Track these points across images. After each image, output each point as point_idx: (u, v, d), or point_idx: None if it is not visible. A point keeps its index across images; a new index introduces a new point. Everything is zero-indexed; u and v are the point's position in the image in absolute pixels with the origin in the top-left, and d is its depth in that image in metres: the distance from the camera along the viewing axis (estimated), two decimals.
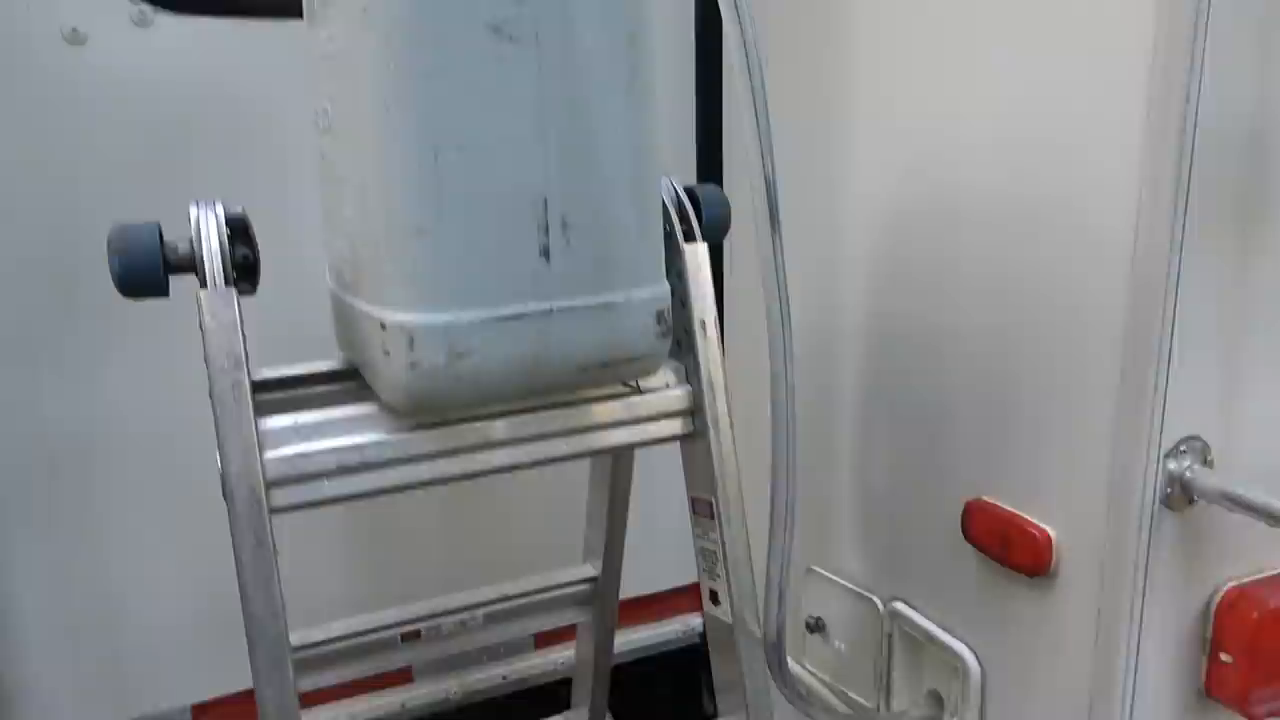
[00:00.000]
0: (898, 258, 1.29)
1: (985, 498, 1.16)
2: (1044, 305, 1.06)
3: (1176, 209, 0.94)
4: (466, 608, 1.28)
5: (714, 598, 1.01)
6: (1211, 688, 1.07)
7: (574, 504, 1.43)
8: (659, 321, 0.89)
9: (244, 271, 0.88)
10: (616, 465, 1.21)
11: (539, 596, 1.30)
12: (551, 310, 0.82)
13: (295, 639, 1.17)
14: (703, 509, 1.00)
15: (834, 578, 1.47)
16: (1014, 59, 1.07)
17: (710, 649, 1.04)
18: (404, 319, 0.79)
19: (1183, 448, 0.99)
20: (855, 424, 1.40)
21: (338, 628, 1.22)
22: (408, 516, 1.49)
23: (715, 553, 0.98)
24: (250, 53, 1.37)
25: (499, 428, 0.90)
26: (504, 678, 1.76)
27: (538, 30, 0.76)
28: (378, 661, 1.26)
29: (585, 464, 1.36)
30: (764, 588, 0.95)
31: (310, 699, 1.61)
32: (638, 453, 1.19)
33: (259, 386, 0.95)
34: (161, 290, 0.85)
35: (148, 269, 0.83)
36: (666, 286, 0.90)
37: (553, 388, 0.88)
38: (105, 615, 1.47)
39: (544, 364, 0.84)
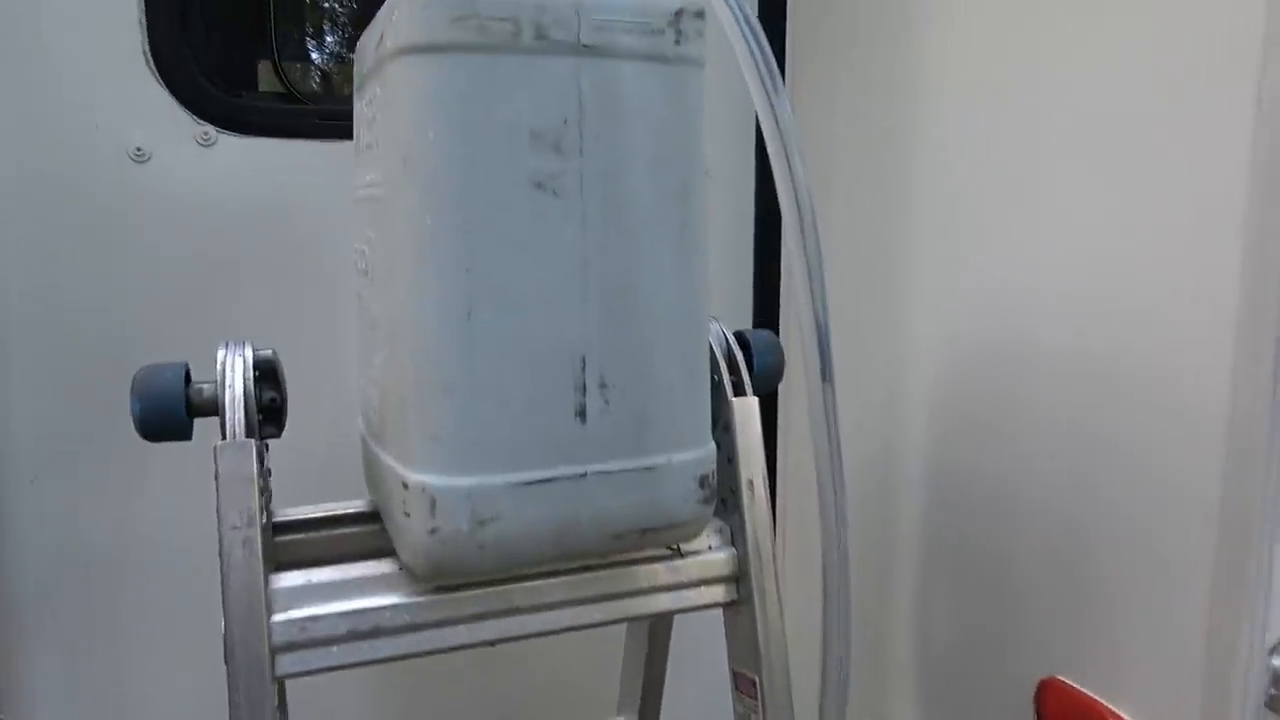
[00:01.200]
0: (961, 405, 1.21)
1: (1061, 677, 1.05)
2: (1127, 468, 0.97)
3: (1278, 373, 0.85)
4: None
5: None
6: None
7: (614, 644, 1.35)
8: (703, 486, 0.82)
9: (270, 414, 0.85)
10: (654, 626, 1.13)
11: None
12: (586, 474, 0.77)
13: None
14: (745, 685, 0.91)
15: None
16: (1093, 199, 1.01)
17: None
18: (426, 480, 0.73)
19: None
20: (914, 580, 1.30)
21: None
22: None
23: None
24: (309, 174, 1.37)
25: (525, 592, 0.83)
26: None
27: (582, 184, 0.73)
28: None
29: None
30: None
31: None
32: None
33: (280, 528, 0.92)
34: (184, 434, 0.82)
35: (169, 413, 0.80)
36: (712, 447, 0.84)
37: (584, 555, 0.82)
38: None
39: (575, 531, 0.78)
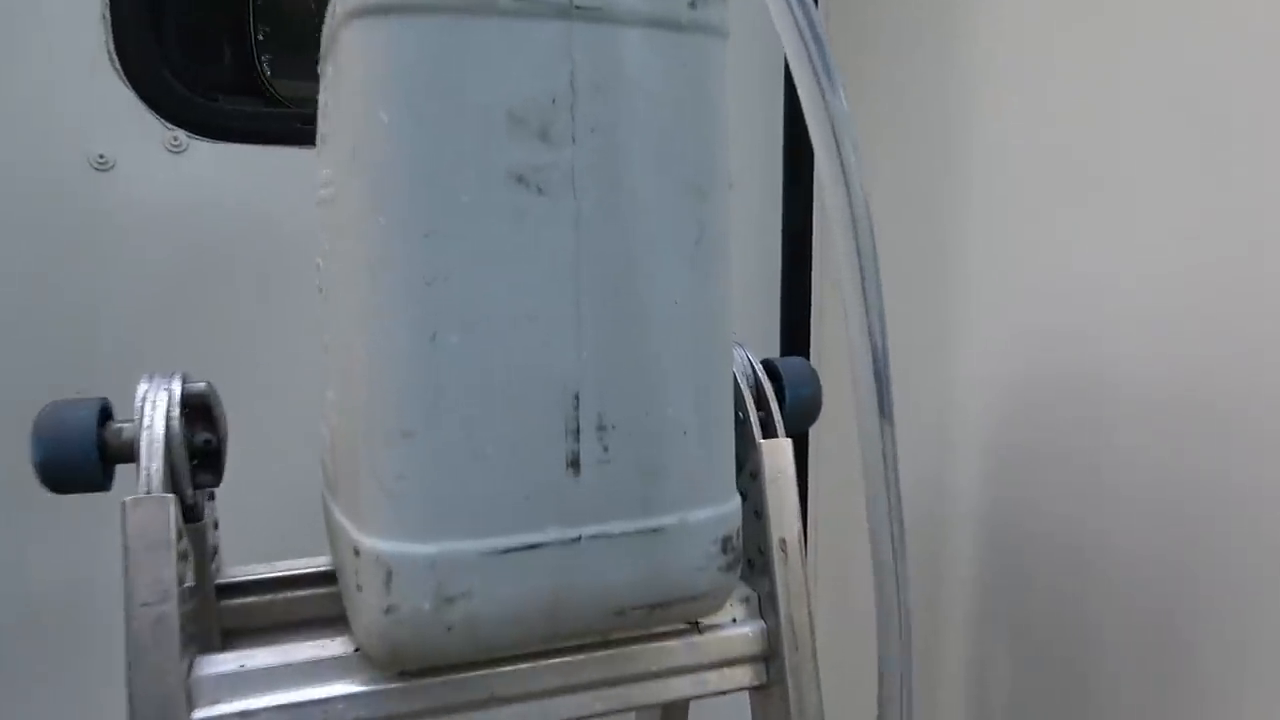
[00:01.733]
0: (1027, 438, 1.05)
1: None
2: (1239, 529, 0.80)
3: None
4: None
5: None
6: None
7: None
8: (725, 550, 0.67)
9: (206, 459, 0.71)
10: (669, 711, 0.97)
11: None
12: (580, 538, 0.62)
13: None
14: None
15: None
16: (1185, 195, 0.85)
17: None
18: (380, 547, 0.59)
19: None
20: (966, 654, 1.14)
21: None
22: None
23: None
24: (289, 182, 1.24)
25: (507, 678, 0.68)
26: None
27: (575, 180, 0.58)
28: None
29: None
30: None
31: None
32: None
33: (222, 591, 0.77)
34: (97, 485, 0.68)
35: (78, 460, 0.66)
36: (737, 502, 0.69)
37: (578, 635, 0.67)
38: None
39: (568, 607, 0.63)
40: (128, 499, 0.62)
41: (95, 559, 1.23)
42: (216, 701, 0.63)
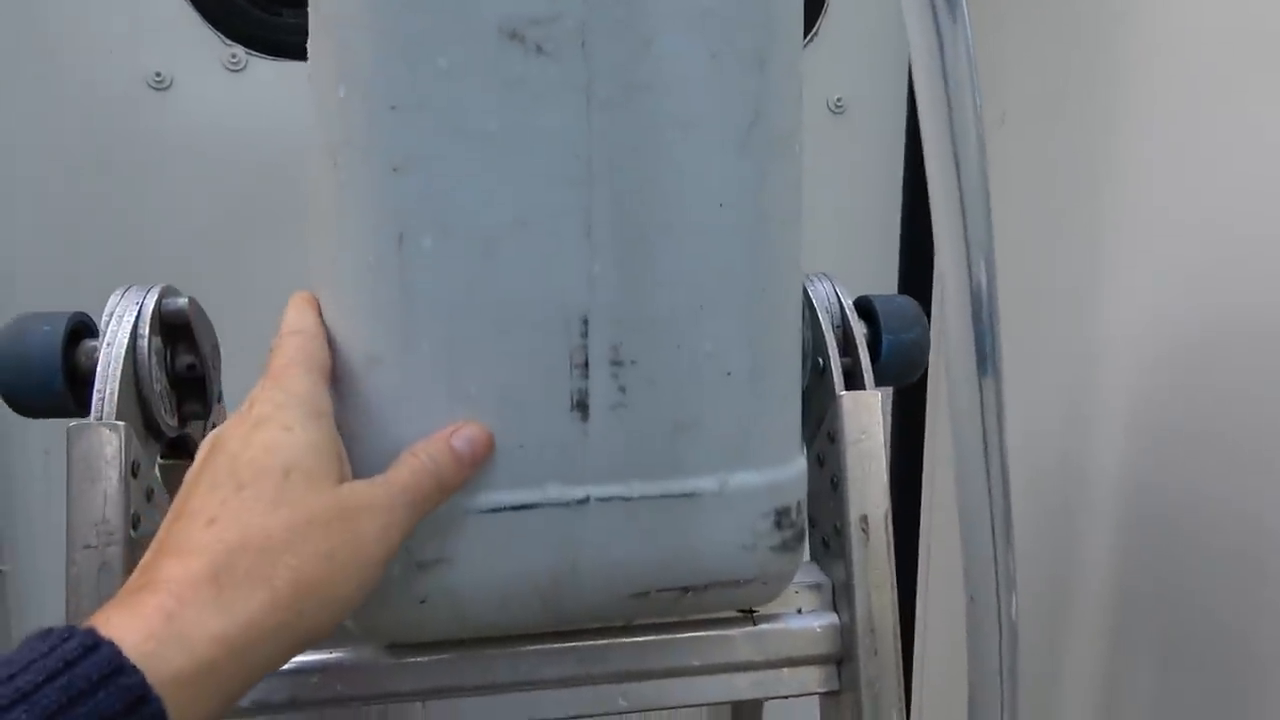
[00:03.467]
0: (1184, 428, 0.85)
1: None
2: None
3: None
4: None
5: None
6: None
7: None
8: (780, 525, 0.53)
9: (189, 388, 0.62)
10: (737, 715, 0.84)
11: None
12: (588, 500, 0.49)
13: None
14: None
15: None
16: None
17: None
18: None
19: None
20: (1101, 666, 0.96)
21: None
22: None
23: None
24: None
25: (512, 661, 0.57)
26: None
27: (585, 36, 0.45)
28: None
29: None
30: None
31: None
32: None
33: None
34: (67, 409, 0.60)
35: (40, 383, 0.58)
36: (800, 466, 0.55)
37: (589, 621, 0.55)
38: None
39: (572, 587, 0.50)
40: (71, 424, 0.54)
41: None
42: None
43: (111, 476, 0.53)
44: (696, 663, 0.59)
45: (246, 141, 1.13)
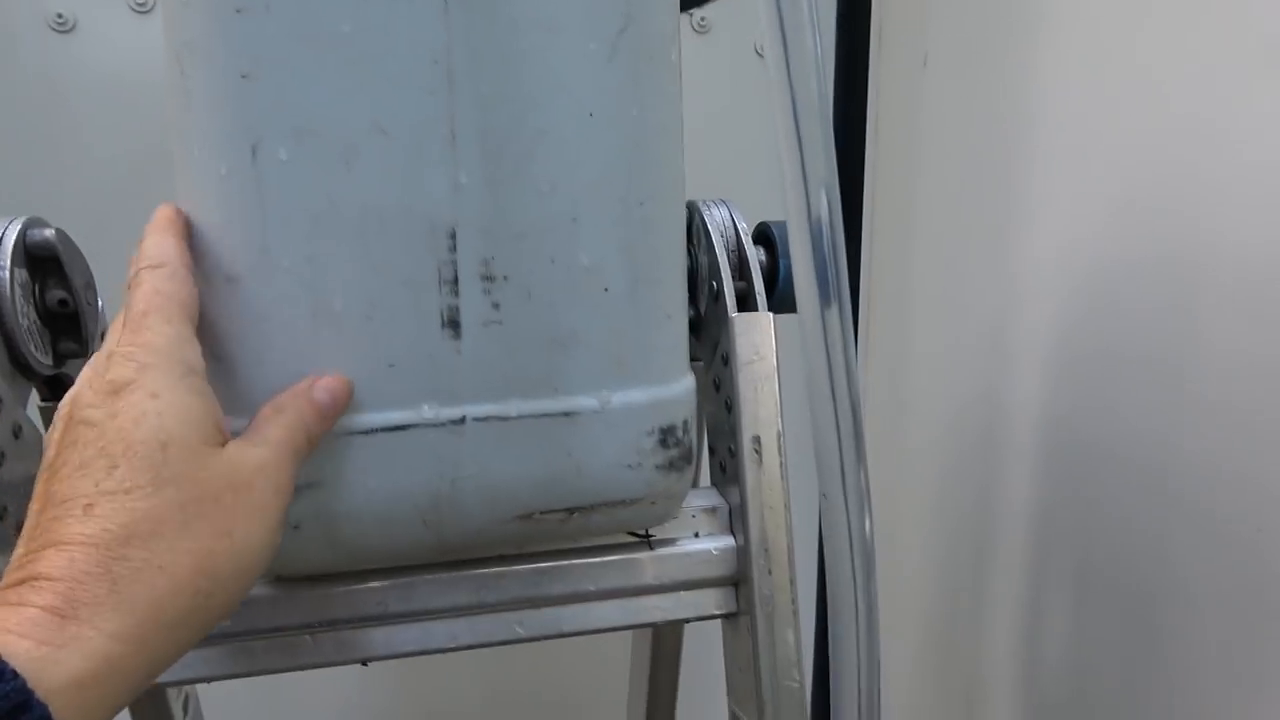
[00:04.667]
0: (1102, 336, 0.86)
1: None
2: None
3: None
4: None
5: None
6: None
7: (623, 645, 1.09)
8: (666, 443, 0.52)
9: (61, 323, 0.60)
10: (658, 634, 0.85)
11: None
12: (464, 420, 0.48)
13: None
14: None
15: None
16: None
17: None
18: None
19: None
20: (1020, 593, 0.97)
21: None
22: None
23: None
24: None
25: (405, 590, 0.56)
26: None
27: None
28: None
29: None
30: None
31: None
32: None
33: None
34: None
35: None
36: (688, 384, 0.54)
37: (476, 548, 0.54)
38: None
39: (453, 509, 0.50)
40: None
41: None
42: None
43: None
44: (593, 588, 0.59)
45: (154, 86, 1.08)
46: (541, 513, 0.51)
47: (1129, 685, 0.83)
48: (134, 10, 1.09)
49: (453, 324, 0.47)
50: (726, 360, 0.61)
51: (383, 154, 0.44)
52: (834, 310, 0.45)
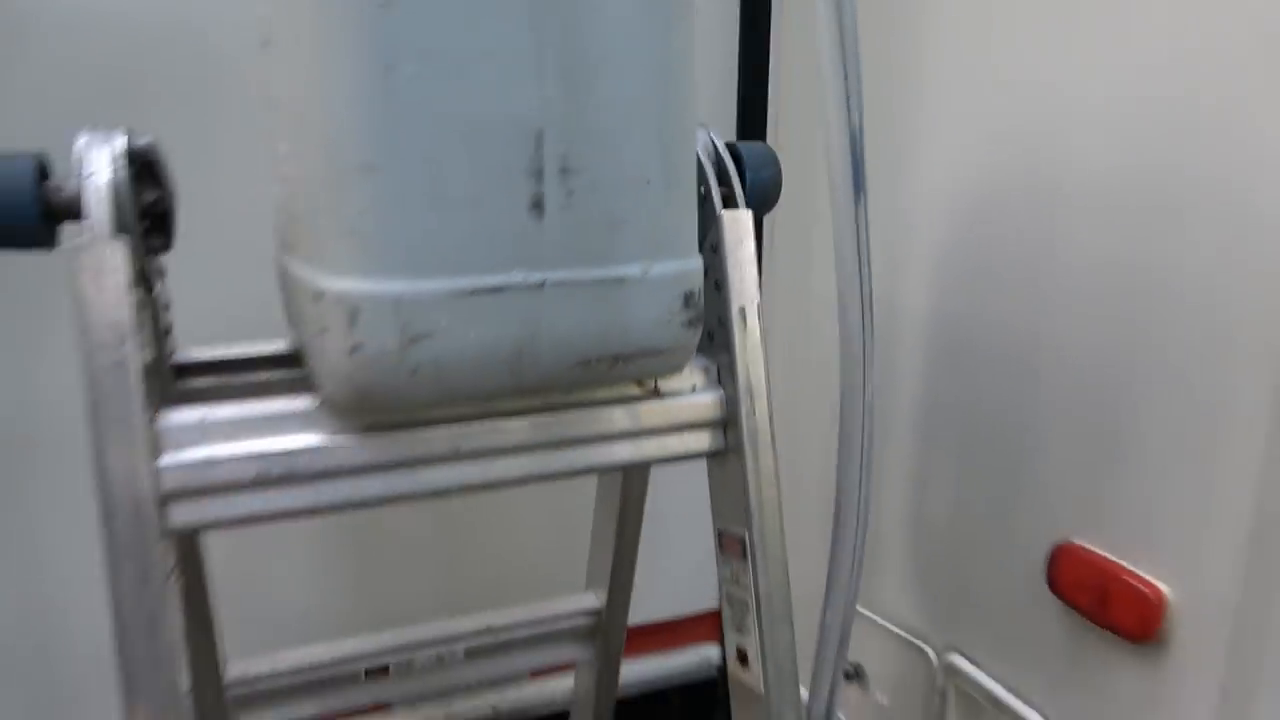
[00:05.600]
0: (979, 249, 1.07)
1: (1079, 542, 0.95)
2: (1178, 307, 0.84)
3: None
4: (444, 640, 1.08)
5: (742, 658, 0.80)
6: None
7: (584, 510, 1.24)
8: (687, 305, 0.68)
9: (156, 221, 0.69)
10: (628, 481, 1.00)
11: (533, 630, 1.10)
12: (544, 284, 0.62)
13: (234, 672, 0.99)
14: (732, 546, 0.79)
15: (879, 620, 1.26)
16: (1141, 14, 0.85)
17: (735, 711, 0.83)
18: (345, 287, 0.59)
19: None
20: (915, 442, 1.18)
21: (287, 660, 1.02)
22: (396, 520, 1.30)
23: (746, 602, 0.78)
24: None
25: (472, 435, 0.70)
26: (494, 709, 1.57)
27: None
28: (335, 700, 1.06)
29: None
30: (816, 647, 0.75)
31: None
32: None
33: (182, 371, 0.77)
34: (41, 240, 0.66)
35: (17, 214, 0.63)
36: (700, 260, 0.70)
37: (543, 387, 0.68)
38: (32, 627, 1.28)
39: (531, 355, 0.63)
40: (73, 243, 0.61)
41: (40, 377, 1.20)
42: (182, 448, 0.63)
43: (120, 283, 0.60)
44: (616, 430, 0.74)
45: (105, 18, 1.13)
46: (594, 360, 0.66)
47: (998, 499, 1.05)
48: None
49: (537, 207, 0.60)
50: (716, 249, 0.76)
51: (488, 72, 0.57)
52: (863, 199, 0.62)
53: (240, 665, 0.99)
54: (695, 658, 1.68)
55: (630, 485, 1.00)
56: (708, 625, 1.67)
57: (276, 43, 0.64)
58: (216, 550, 0.93)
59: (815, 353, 1.36)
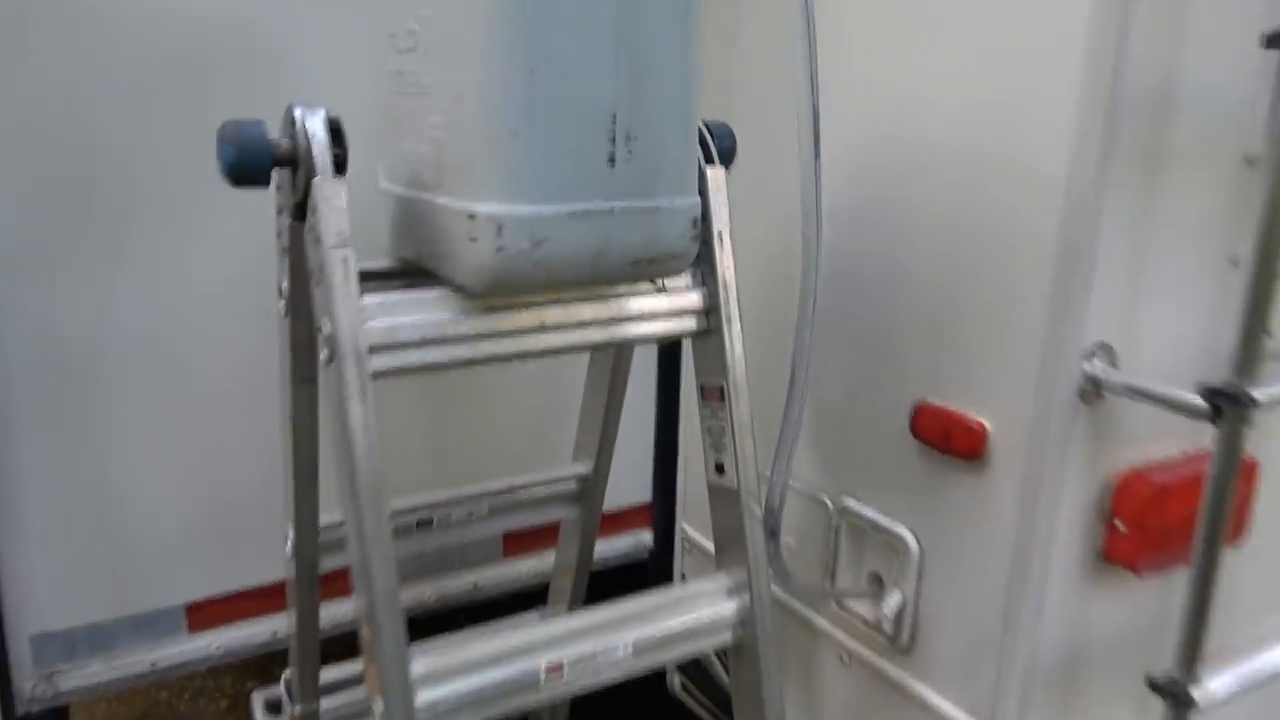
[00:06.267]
0: (857, 200, 1.49)
1: (931, 400, 1.38)
2: (988, 237, 1.27)
3: (1101, 157, 1.16)
4: (473, 498, 1.42)
5: (719, 468, 1.18)
6: (1109, 553, 1.32)
7: (544, 414, 1.59)
8: (694, 226, 1.05)
9: (339, 167, 1.00)
10: (616, 366, 1.37)
11: (540, 490, 1.45)
12: (613, 210, 0.98)
13: (323, 519, 1.29)
14: (713, 394, 1.17)
15: (791, 483, 1.67)
16: (968, 30, 1.27)
17: (713, 513, 1.22)
18: (495, 209, 0.93)
19: (1096, 351, 1.22)
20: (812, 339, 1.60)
21: None
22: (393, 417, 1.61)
23: (724, 429, 1.16)
24: None
25: (551, 314, 1.05)
26: (475, 585, 1.90)
27: None
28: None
29: (571, 371, 1.51)
30: (775, 449, 1.14)
31: (282, 600, 1.72)
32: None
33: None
34: (265, 181, 0.96)
35: (258, 160, 0.94)
36: (699, 198, 1.07)
37: (607, 278, 1.04)
38: (106, 516, 1.54)
39: (603, 256, 0.99)
40: (316, 179, 0.92)
41: (114, 306, 1.46)
42: (379, 317, 0.96)
43: (341, 206, 0.92)
44: (643, 312, 1.11)
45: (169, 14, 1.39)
46: (640, 260, 1.02)
47: (874, 377, 1.47)
48: None
49: (611, 160, 0.96)
50: (702, 193, 1.14)
51: (588, 72, 0.92)
52: (820, 161, 1.00)
53: (325, 516, 1.30)
54: (633, 541, 2.06)
55: (618, 370, 1.37)
56: (643, 515, 2.05)
57: (432, 49, 0.97)
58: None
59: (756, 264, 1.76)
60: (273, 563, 1.67)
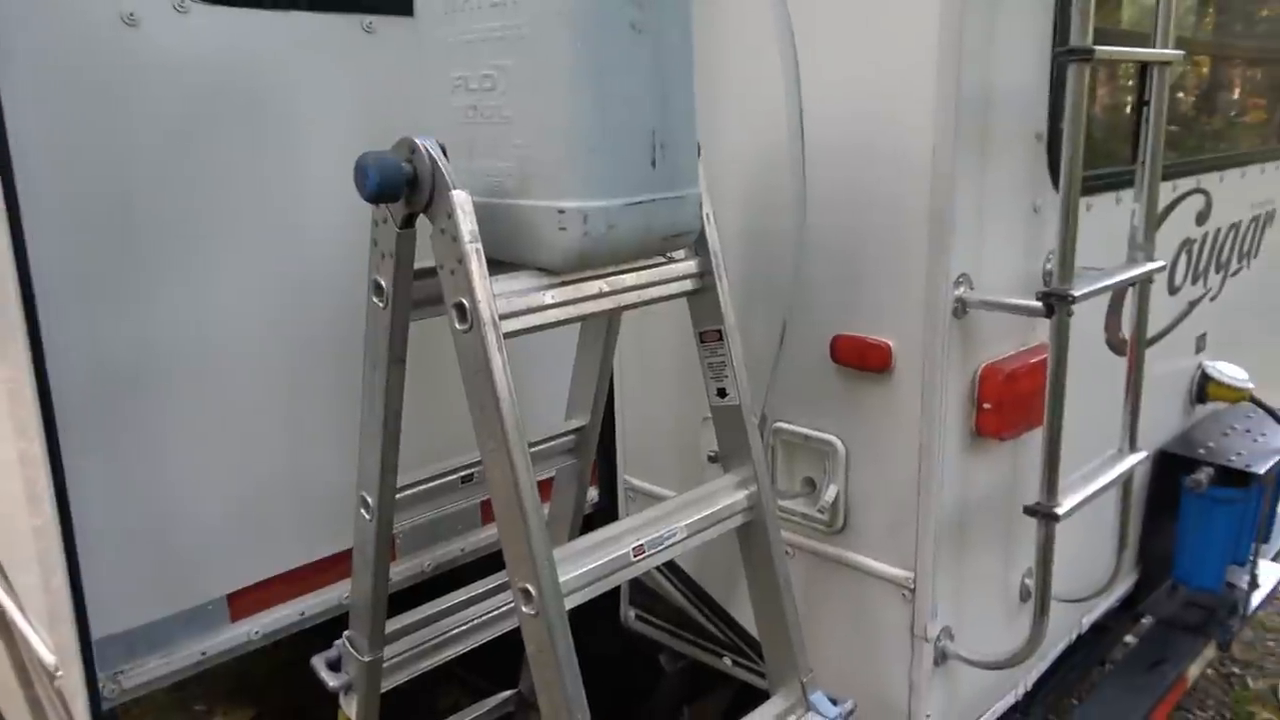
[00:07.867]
0: (763, 186, 1.91)
1: (847, 331, 1.82)
2: (880, 205, 1.73)
3: (953, 144, 1.64)
4: None
5: (721, 393, 1.57)
6: (980, 427, 1.81)
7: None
8: (700, 208, 1.43)
9: None
10: (609, 330, 1.72)
11: (554, 443, 1.77)
12: (655, 200, 1.34)
13: (403, 479, 1.56)
14: (711, 337, 1.55)
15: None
16: (845, 51, 1.73)
17: (717, 429, 1.60)
18: (581, 204, 1.27)
19: (960, 280, 1.71)
20: (738, 302, 2.02)
21: (420, 473, 1.61)
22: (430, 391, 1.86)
23: (724, 362, 1.54)
24: (271, 38, 1.68)
25: (608, 283, 1.39)
26: (462, 550, 2.17)
27: (655, 28, 1.28)
28: (444, 500, 1.66)
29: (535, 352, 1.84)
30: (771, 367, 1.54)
31: (307, 582, 1.93)
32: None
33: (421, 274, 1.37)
34: (399, 197, 1.25)
35: (395, 181, 1.23)
36: (703, 188, 1.45)
37: (647, 252, 1.39)
38: (155, 520, 1.69)
39: (649, 234, 1.35)
40: (451, 191, 1.22)
41: (156, 330, 1.63)
42: (498, 291, 1.27)
43: (469, 211, 1.22)
44: (660, 279, 1.47)
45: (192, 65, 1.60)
46: (669, 236, 1.39)
47: (799, 314, 1.91)
48: (175, 10, 1.58)
49: (653, 164, 1.32)
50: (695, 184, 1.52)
51: (639, 104, 1.28)
52: (802, 143, 1.40)
53: (403, 476, 1.56)
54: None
55: (610, 332, 1.72)
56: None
57: (513, 89, 1.29)
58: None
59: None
60: (298, 549, 1.88)
